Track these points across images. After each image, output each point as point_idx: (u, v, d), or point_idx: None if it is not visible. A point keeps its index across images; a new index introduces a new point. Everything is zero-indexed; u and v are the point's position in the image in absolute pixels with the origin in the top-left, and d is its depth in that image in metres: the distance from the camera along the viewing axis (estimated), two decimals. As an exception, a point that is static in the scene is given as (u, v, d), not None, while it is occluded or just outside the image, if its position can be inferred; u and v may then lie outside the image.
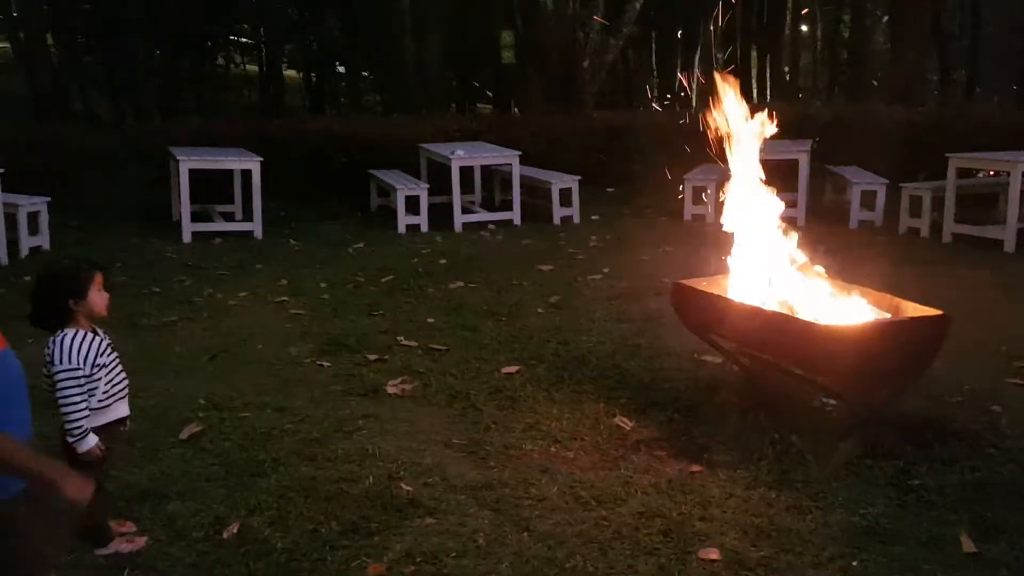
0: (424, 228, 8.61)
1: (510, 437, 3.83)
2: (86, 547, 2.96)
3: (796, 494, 3.31)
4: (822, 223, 8.42)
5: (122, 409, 3.03)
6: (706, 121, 4.40)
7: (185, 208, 8.17)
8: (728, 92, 4.28)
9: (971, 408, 4.11)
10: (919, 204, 8.29)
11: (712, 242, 4.56)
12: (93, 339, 2.93)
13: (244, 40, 22.90)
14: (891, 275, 5.86)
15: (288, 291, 6.36)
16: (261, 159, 8.35)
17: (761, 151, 4.40)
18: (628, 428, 3.91)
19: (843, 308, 3.99)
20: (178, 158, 8.31)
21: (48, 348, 2.88)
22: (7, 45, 18.75)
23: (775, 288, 4.12)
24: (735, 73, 4.53)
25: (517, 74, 15.00)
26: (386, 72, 16.23)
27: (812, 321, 3.80)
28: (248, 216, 8.48)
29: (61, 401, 2.84)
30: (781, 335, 3.87)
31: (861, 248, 7.47)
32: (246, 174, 8.51)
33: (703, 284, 4.34)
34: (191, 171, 8.16)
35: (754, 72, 23.63)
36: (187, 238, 8.09)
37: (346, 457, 3.64)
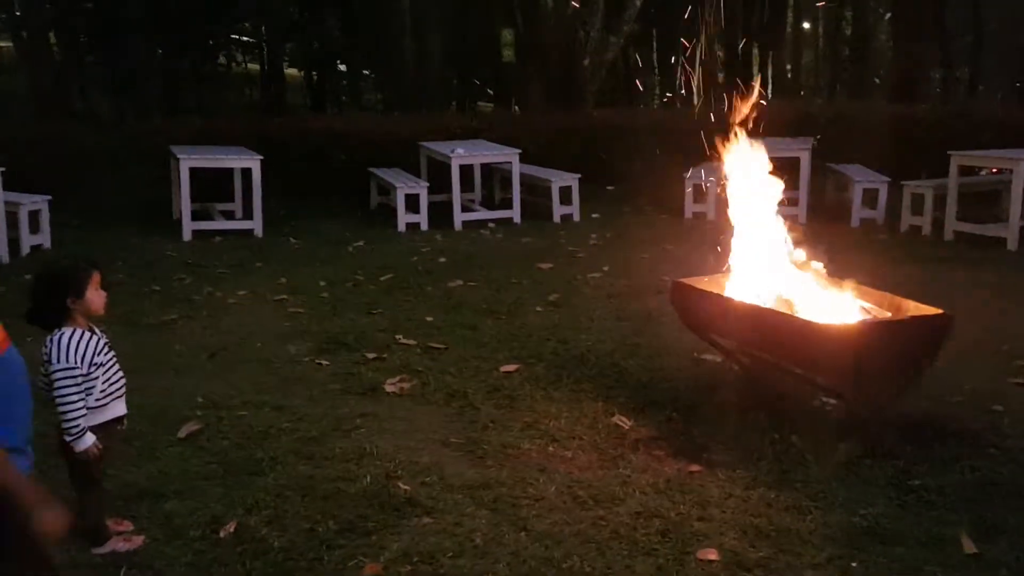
0: (424, 226, 8.61)
1: (508, 436, 3.82)
2: (83, 546, 2.95)
3: (795, 494, 3.30)
4: (823, 221, 8.40)
5: (119, 408, 3.03)
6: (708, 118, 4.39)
7: (185, 206, 8.17)
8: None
9: (972, 408, 4.09)
10: (921, 202, 8.26)
11: (712, 240, 4.54)
12: (91, 338, 2.92)
13: (245, 39, 22.89)
14: (892, 273, 5.85)
15: (287, 289, 6.35)
16: (261, 158, 8.34)
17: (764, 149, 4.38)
18: (627, 427, 3.90)
19: (843, 307, 3.97)
20: (178, 157, 8.31)
21: (46, 347, 2.88)
22: (10, 44, 18.76)
23: (775, 287, 4.10)
24: (736, 71, 4.51)
25: (517, 72, 14.98)
26: (387, 71, 16.22)
27: (812, 320, 3.78)
28: (248, 214, 8.48)
29: (58, 400, 2.84)
30: (780, 334, 3.85)
31: (862, 246, 7.45)
32: (246, 172, 8.51)
33: (702, 283, 4.33)
34: (192, 170, 8.17)
35: (756, 69, 23.59)
36: (187, 236, 8.09)
37: (344, 456, 3.63)
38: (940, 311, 3.78)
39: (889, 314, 3.93)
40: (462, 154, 8.90)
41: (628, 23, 13.27)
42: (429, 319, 5.58)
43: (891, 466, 3.48)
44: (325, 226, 8.64)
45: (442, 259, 7.32)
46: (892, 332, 3.75)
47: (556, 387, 4.39)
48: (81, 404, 2.86)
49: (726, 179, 4.47)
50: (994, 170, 8.70)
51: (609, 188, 10.38)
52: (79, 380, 2.86)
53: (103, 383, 2.94)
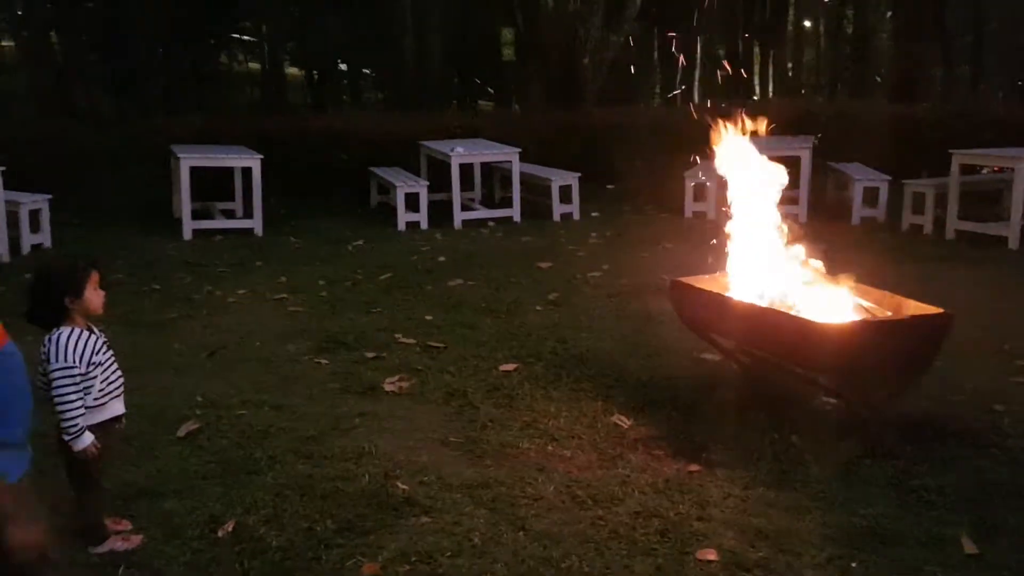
0: (424, 225, 8.60)
1: (507, 435, 3.81)
2: (82, 545, 2.95)
3: (795, 494, 3.29)
4: (824, 220, 8.38)
5: (117, 407, 3.02)
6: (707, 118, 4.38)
7: (186, 205, 8.17)
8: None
9: (973, 407, 4.08)
10: (922, 201, 8.25)
11: (712, 239, 4.52)
12: (89, 337, 2.92)
13: (247, 38, 22.89)
14: (893, 272, 5.84)
15: (287, 288, 6.34)
16: (262, 157, 8.34)
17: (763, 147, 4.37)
18: (626, 427, 3.89)
19: (843, 306, 3.96)
20: (179, 156, 8.31)
21: (44, 346, 2.87)
22: (11, 44, 18.76)
23: (774, 286, 4.09)
24: (737, 69, 4.50)
25: (517, 71, 14.97)
26: (387, 69, 16.21)
27: (811, 319, 3.77)
28: (249, 213, 8.47)
29: (57, 399, 2.83)
30: (780, 333, 3.84)
31: (863, 245, 7.43)
32: (247, 172, 8.51)
33: (701, 282, 4.32)
34: (192, 169, 8.17)
35: (757, 68, 23.57)
36: (188, 235, 8.09)
37: (342, 455, 3.62)
38: (940, 310, 3.77)
39: (889, 313, 3.91)
40: (462, 153, 8.89)
41: (628, 21, 13.26)
42: (428, 318, 5.57)
43: (891, 466, 3.47)
44: (325, 225, 8.63)
45: (442, 258, 7.31)
46: (892, 331, 3.74)
47: (555, 386, 4.38)
48: (79, 403, 2.85)
49: (725, 178, 4.46)
50: (997, 168, 8.69)
51: (609, 187, 10.37)
52: (77, 379, 2.85)
53: (101, 382, 2.94)
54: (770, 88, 23.21)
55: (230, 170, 8.79)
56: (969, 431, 3.80)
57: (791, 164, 8.43)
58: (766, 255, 4.24)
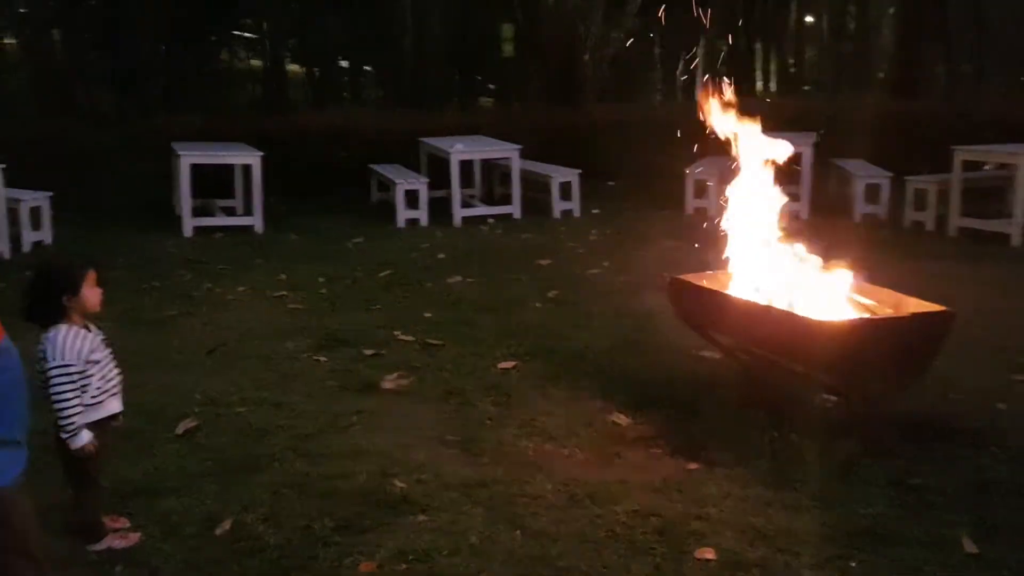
0: (424, 222, 8.59)
1: (505, 434, 3.80)
2: (79, 543, 2.95)
3: (794, 493, 3.27)
4: (825, 216, 8.36)
5: (115, 405, 3.02)
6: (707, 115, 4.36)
7: (186, 203, 8.17)
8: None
9: (974, 406, 4.07)
10: (923, 197, 8.23)
11: (713, 236, 4.51)
12: (86, 335, 2.91)
13: (248, 35, 22.86)
14: (894, 269, 5.80)
15: (287, 286, 6.34)
16: (262, 154, 8.33)
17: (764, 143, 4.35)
18: (624, 425, 3.88)
19: (843, 304, 3.95)
20: (179, 153, 8.31)
21: (41, 344, 2.86)
22: (12, 41, 18.76)
23: (773, 283, 4.08)
24: (738, 66, 4.47)
25: (518, 68, 14.96)
26: (387, 66, 16.20)
27: (811, 317, 3.75)
28: (249, 211, 8.47)
29: (54, 398, 2.83)
30: (780, 331, 3.82)
31: (864, 242, 7.40)
32: (247, 169, 8.50)
33: (700, 279, 4.30)
34: (193, 166, 8.16)
35: (759, 65, 23.52)
36: (188, 233, 8.09)
37: (340, 453, 3.62)
38: (942, 308, 3.75)
39: (890, 311, 3.90)
40: (462, 150, 8.88)
41: (629, 18, 13.23)
42: (428, 315, 5.56)
43: (891, 465, 3.46)
44: (325, 222, 8.63)
45: (441, 255, 7.30)
46: (893, 329, 3.72)
47: (554, 384, 4.37)
48: (77, 401, 2.85)
49: (726, 174, 4.45)
50: (998, 165, 8.65)
51: (610, 184, 10.35)
52: (75, 377, 2.85)
53: (99, 380, 2.93)
54: (772, 84, 23.17)
55: (231, 167, 8.78)
56: (970, 430, 3.79)
57: (793, 161, 8.49)
58: (765, 252, 4.22)
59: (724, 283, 4.25)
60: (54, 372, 2.82)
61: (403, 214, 8.57)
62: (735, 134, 4.34)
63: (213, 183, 8.75)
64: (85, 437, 2.86)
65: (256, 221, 8.31)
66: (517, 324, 5.36)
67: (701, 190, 9.06)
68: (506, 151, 9.09)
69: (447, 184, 8.80)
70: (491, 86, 20.58)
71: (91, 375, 2.90)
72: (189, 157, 8.20)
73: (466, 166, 9.29)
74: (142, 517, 3.13)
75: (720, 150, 4.51)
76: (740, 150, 4.36)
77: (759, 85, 22.86)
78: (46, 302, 2.88)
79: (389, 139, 10.17)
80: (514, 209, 8.92)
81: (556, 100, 12.10)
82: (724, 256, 4.33)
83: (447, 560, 2.88)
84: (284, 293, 6.14)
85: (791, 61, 24.82)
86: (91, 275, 2.94)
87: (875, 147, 9.49)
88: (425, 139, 9.64)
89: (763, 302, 3.97)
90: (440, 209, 8.74)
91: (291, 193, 9.48)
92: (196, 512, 3.17)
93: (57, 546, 2.84)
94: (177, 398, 4.19)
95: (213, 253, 7.38)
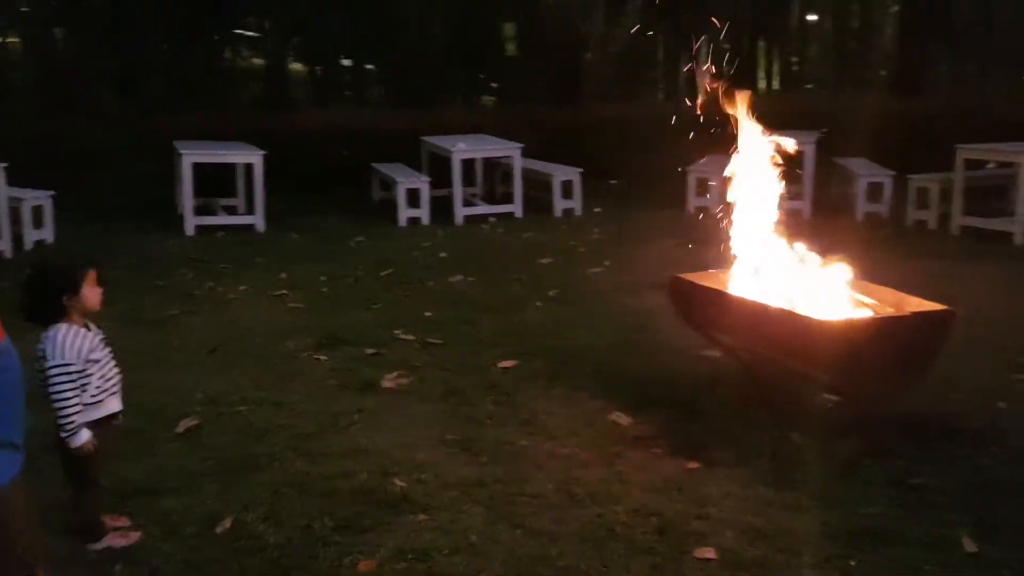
0: (425, 221, 8.59)
1: (505, 433, 3.80)
2: (79, 542, 2.95)
3: (795, 493, 3.27)
4: (827, 215, 8.35)
5: (114, 404, 3.02)
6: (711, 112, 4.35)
7: (188, 202, 8.17)
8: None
9: (975, 405, 4.06)
10: (926, 196, 8.22)
11: (714, 235, 4.50)
12: (86, 334, 2.92)
13: (251, 34, 22.86)
14: (896, 268, 5.79)
15: (288, 284, 6.34)
16: (264, 153, 8.34)
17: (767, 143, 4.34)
18: (625, 424, 3.88)
19: (845, 303, 3.94)
20: (181, 152, 8.31)
21: (41, 343, 2.87)
22: (15, 40, 18.79)
23: (774, 282, 4.07)
24: (740, 64, 4.46)
25: (520, 66, 14.95)
26: (389, 65, 16.19)
27: (811, 316, 3.75)
28: (251, 210, 8.47)
29: (54, 397, 2.83)
30: (780, 331, 3.81)
31: (866, 241, 7.39)
32: (249, 168, 8.50)
33: (700, 278, 4.29)
34: (195, 165, 8.17)
35: (762, 63, 23.47)
36: (190, 232, 8.09)
37: (340, 453, 3.62)
38: (942, 307, 3.74)
39: (891, 310, 3.89)
40: (464, 148, 8.88)
41: (631, 16, 13.22)
42: (428, 314, 5.56)
43: (891, 465, 3.45)
44: (326, 221, 8.63)
45: (442, 254, 7.30)
46: (894, 328, 3.71)
47: (554, 383, 4.37)
48: (76, 401, 2.85)
49: (727, 172, 4.44)
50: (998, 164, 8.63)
51: (612, 182, 10.33)
52: (74, 377, 2.85)
53: (98, 379, 2.93)
54: (775, 82, 23.14)
55: (232, 166, 8.79)
56: (971, 429, 3.78)
57: (795, 159, 8.47)
58: (766, 251, 4.21)
59: (725, 282, 4.24)
60: (54, 371, 2.82)
61: (405, 213, 8.57)
62: (737, 132, 4.33)
63: (215, 182, 8.76)
64: (84, 436, 2.86)
65: (258, 220, 8.32)
66: (518, 323, 5.36)
67: (702, 188, 9.05)
68: (508, 150, 9.09)
69: (449, 183, 8.80)
70: (493, 85, 20.55)
71: (91, 374, 2.90)
72: (191, 156, 8.21)
73: (468, 165, 9.29)
74: (142, 516, 3.13)
75: (721, 148, 4.50)
76: (741, 148, 4.35)
77: (761, 83, 22.81)
78: (46, 302, 2.88)
79: (391, 138, 10.17)
80: (516, 208, 8.92)
81: (558, 99, 12.10)
82: (725, 255, 4.32)
83: (447, 559, 2.88)
84: (285, 292, 6.15)
85: (794, 59, 24.77)
86: (91, 274, 2.94)
87: (877, 146, 9.48)
88: (427, 138, 9.64)
89: (764, 301, 3.96)
90: (442, 208, 8.74)
91: (293, 192, 9.49)
92: (196, 511, 3.17)
93: (57, 545, 2.85)
94: (178, 397, 4.20)
95: (215, 252, 7.39)
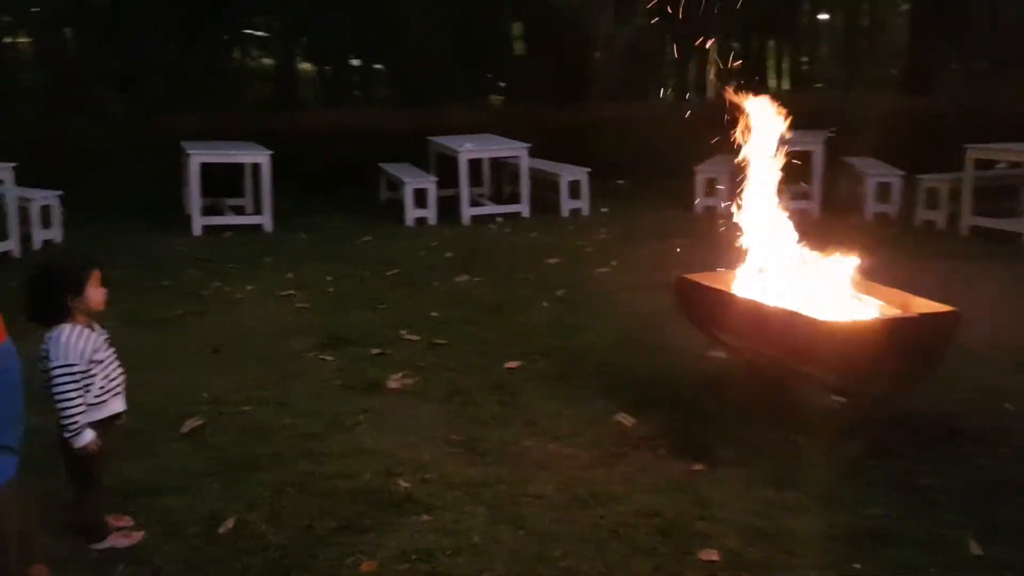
0: (432, 221, 8.59)
1: (509, 433, 3.80)
2: (80, 542, 2.96)
3: (799, 494, 3.25)
4: (836, 215, 8.31)
5: (118, 404, 3.03)
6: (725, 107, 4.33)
7: (195, 202, 8.20)
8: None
9: (981, 406, 4.03)
10: (935, 196, 8.17)
11: (723, 235, 4.48)
12: (89, 335, 2.92)
13: (259, 33, 22.92)
14: (905, 268, 5.76)
15: (294, 284, 6.35)
16: (271, 152, 8.35)
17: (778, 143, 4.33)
18: (629, 425, 3.87)
19: (850, 304, 3.92)
20: (189, 152, 8.34)
21: (44, 344, 2.88)
22: (23, 40, 18.91)
23: (779, 283, 4.05)
24: (749, 63, 4.43)
25: (527, 66, 14.94)
26: (397, 65, 16.21)
27: (816, 317, 3.73)
28: (258, 210, 8.49)
29: (57, 397, 2.84)
30: (785, 332, 3.79)
31: (875, 240, 7.35)
32: (256, 168, 8.52)
33: (706, 278, 4.28)
34: (203, 165, 8.20)
35: (771, 62, 23.40)
36: (197, 231, 8.12)
37: (344, 453, 3.62)
38: (948, 308, 3.72)
39: (897, 311, 3.87)
40: (471, 149, 8.87)
41: (639, 16, 13.20)
42: (434, 314, 5.56)
43: (896, 466, 3.44)
44: (333, 221, 8.64)
45: (449, 254, 7.30)
46: (899, 329, 3.69)
47: (559, 384, 4.36)
48: (80, 401, 2.86)
49: (735, 172, 4.42)
50: (1008, 164, 8.58)
51: (619, 182, 10.32)
52: (78, 377, 2.86)
53: (102, 380, 2.94)
54: (784, 82, 23.05)
55: (240, 166, 8.81)
56: (976, 430, 3.76)
57: (804, 159, 8.45)
58: (772, 251, 4.20)
59: (730, 283, 4.22)
60: (57, 372, 2.82)
61: (412, 213, 8.57)
62: (745, 131, 4.32)
63: (223, 182, 8.79)
64: (88, 436, 2.87)
65: (265, 220, 8.33)
66: (524, 323, 5.36)
67: (711, 188, 9.02)
68: (515, 150, 9.08)
69: (456, 183, 8.80)
70: (501, 84, 20.54)
71: (94, 375, 2.91)
72: (199, 156, 8.24)
73: (475, 165, 9.28)
74: (145, 516, 3.14)
75: (730, 148, 4.48)
76: (749, 147, 4.33)
77: (771, 82, 22.73)
78: (50, 302, 2.89)
79: (398, 138, 10.18)
80: (523, 208, 8.91)
81: (565, 98, 12.08)
82: (732, 255, 4.30)
83: (449, 560, 2.88)
84: (292, 292, 6.16)
85: (804, 58, 24.67)
86: (95, 275, 2.95)
87: (887, 145, 9.43)
88: (434, 138, 9.64)
89: (769, 302, 3.95)
90: (449, 208, 8.74)
91: (300, 191, 9.51)
92: (199, 511, 3.17)
93: (59, 545, 2.86)
94: (183, 397, 4.21)
95: (222, 252, 7.41)
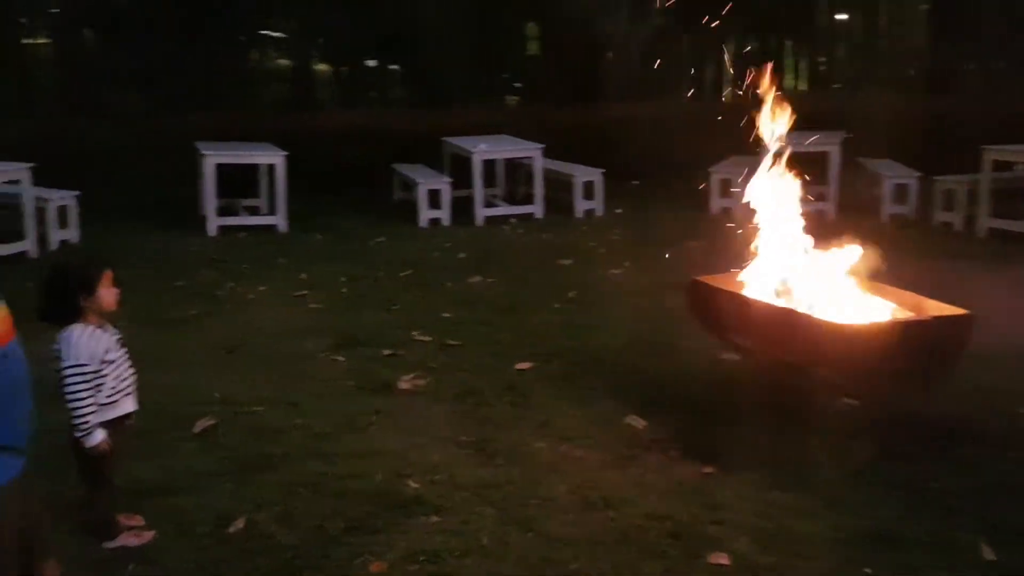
0: (446, 222, 8.60)
1: (520, 435, 3.79)
2: (91, 541, 2.98)
3: (810, 497, 3.23)
4: (852, 216, 8.24)
5: (129, 404, 3.05)
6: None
7: (211, 202, 8.25)
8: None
9: (994, 410, 3.99)
10: (952, 198, 8.09)
11: (737, 237, 4.46)
12: (101, 335, 2.94)
13: (276, 34, 23.03)
14: (920, 270, 5.71)
15: (308, 285, 6.37)
16: (286, 153, 8.39)
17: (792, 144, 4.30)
18: (640, 427, 3.85)
19: (863, 306, 3.89)
20: (204, 153, 8.38)
21: (56, 344, 2.90)
22: (41, 41, 19.10)
23: (792, 285, 4.02)
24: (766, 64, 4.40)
25: (542, 66, 14.93)
26: (412, 66, 16.24)
27: (830, 320, 3.70)
28: (273, 210, 8.53)
29: (68, 397, 2.86)
30: (797, 334, 3.77)
31: (891, 242, 7.27)
32: (271, 168, 8.56)
33: (719, 280, 4.25)
34: (218, 165, 8.24)
35: (788, 63, 23.26)
36: (212, 232, 8.16)
37: (355, 453, 3.63)
38: (962, 311, 3.68)
39: (911, 313, 3.83)
40: (485, 149, 8.87)
41: (654, 17, 13.16)
42: (447, 315, 5.57)
43: (908, 469, 3.41)
44: (348, 222, 8.66)
45: (462, 255, 7.31)
46: (912, 332, 3.65)
47: (570, 385, 4.35)
48: (91, 401, 2.88)
49: (751, 173, 4.39)
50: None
51: (634, 183, 10.29)
52: (89, 377, 2.88)
53: (113, 380, 2.96)
54: (801, 82, 22.92)
55: (255, 167, 8.85)
56: (987, 433, 3.73)
57: (820, 160, 8.39)
58: (786, 253, 4.17)
59: (743, 285, 4.20)
60: (68, 372, 2.84)
61: (425, 214, 8.58)
62: (761, 133, 4.29)
63: (239, 183, 8.83)
64: (99, 436, 2.89)
65: (280, 220, 8.37)
66: (536, 325, 5.35)
67: (726, 189, 8.98)
68: (529, 150, 9.08)
69: (470, 184, 8.80)
70: (516, 85, 20.54)
71: (106, 375, 2.93)
72: (214, 157, 8.28)
73: (489, 165, 9.28)
74: (155, 516, 3.15)
75: (745, 149, 4.46)
76: (765, 149, 4.31)
77: (789, 83, 22.60)
78: (62, 302, 2.91)
79: (412, 138, 10.20)
80: (536, 209, 8.90)
81: (580, 98, 12.07)
82: (745, 257, 4.28)
83: (458, 561, 2.88)
84: (305, 292, 6.18)
85: (821, 59, 24.52)
86: (107, 275, 2.97)
87: (903, 146, 9.35)
88: (448, 138, 9.65)
89: (781, 305, 3.92)
90: (462, 209, 8.74)
91: (315, 192, 9.53)
92: (209, 511, 3.19)
93: (69, 544, 2.88)
94: (195, 397, 4.23)
95: (237, 252, 7.44)
